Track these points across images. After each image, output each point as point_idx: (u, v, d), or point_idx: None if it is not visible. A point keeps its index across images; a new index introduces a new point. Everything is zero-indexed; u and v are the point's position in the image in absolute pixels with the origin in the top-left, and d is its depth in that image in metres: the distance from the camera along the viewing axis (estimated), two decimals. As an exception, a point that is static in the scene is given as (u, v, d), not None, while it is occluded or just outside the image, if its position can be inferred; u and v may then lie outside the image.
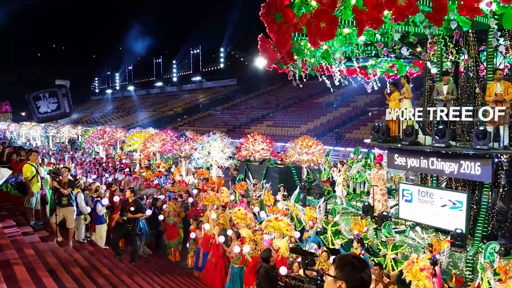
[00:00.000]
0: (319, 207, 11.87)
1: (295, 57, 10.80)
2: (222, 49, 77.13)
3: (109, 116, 76.66)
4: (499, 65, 10.85)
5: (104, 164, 23.23)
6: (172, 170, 21.49)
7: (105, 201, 11.01)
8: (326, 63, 11.84)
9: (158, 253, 12.57)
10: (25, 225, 9.88)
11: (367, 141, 12.36)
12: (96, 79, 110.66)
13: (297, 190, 13.88)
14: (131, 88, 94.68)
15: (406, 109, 10.54)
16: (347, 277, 2.44)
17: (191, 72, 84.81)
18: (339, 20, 8.68)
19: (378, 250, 10.00)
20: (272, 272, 7.32)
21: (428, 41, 11.05)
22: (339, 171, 13.90)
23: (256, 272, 9.12)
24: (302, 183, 15.97)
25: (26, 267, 6.76)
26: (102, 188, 12.04)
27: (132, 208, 10.20)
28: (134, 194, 10.61)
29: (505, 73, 11.21)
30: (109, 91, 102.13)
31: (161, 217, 12.18)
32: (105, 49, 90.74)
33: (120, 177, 19.04)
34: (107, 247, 10.82)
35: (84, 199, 10.72)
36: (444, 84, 10.38)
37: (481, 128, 8.84)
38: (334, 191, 14.47)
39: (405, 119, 10.50)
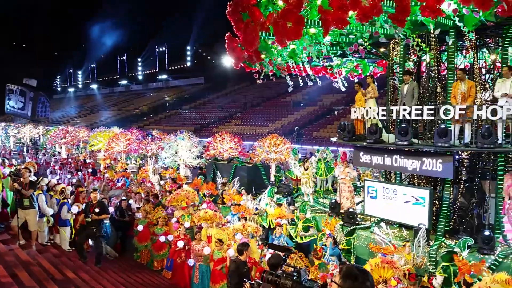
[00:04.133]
0: (288, 205, 12.00)
1: (263, 56, 10.83)
2: (188, 47, 76.36)
3: (71, 115, 74.57)
4: (460, 64, 11.24)
5: (67, 165, 22.62)
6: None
7: (75, 209, 10.69)
8: (293, 62, 11.94)
9: (124, 255, 12.33)
10: (-15, 229, 9.51)
11: (334, 139, 12.54)
12: (57, 77, 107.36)
13: (269, 187, 13.98)
14: (94, 86, 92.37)
15: (370, 108, 10.77)
16: None
17: (157, 70, 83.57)
18: (305, 20, 8.77)
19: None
20: (242, 268, 7.33)
21: (391, 41, 11.34)
22: (306, 169, 14.04)
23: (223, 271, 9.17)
24: (271, 182, 16.08)
25: (-14, 272, 6.52)
26: (68, 189, 11.70)
27: (96, 210, 9.98)
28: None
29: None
30: (71, 90, 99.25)
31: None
32: (67, 46, 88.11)
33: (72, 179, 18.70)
34: (71, 250, 10.54)
35: (46, 200, 10.41)
36: (405, 84, 10.67)
37: (442, 126, 9.15)
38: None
39: (370, 118, 10.73)
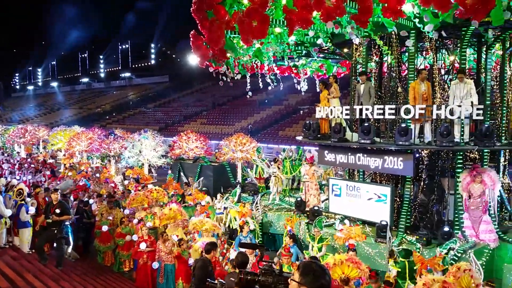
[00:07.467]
0: (256, 203, 12.01)
1: (228, 54, 10.78)
2: (153, 45, 75.13)
3: (31, 114, 71.98)
4: (420, 65, 11.56)
5: (26, 165, 21.79)
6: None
7: (32, 210, 10.32)
8: (258, 62, 11.95)
9: (86, 257, 12.00)
10: None
11: (299, 138, 12.65)
12: (16, 75, 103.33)
13: (238, 188, 13.97)
14: (54, 84, 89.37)
15: (334, 107, 10.92)
16: (310, 284, 2.69)
17: (119, 68, 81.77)
18: (271, 19, 8.79)
19: (307, 243, 10.30)
20: (209, 265, 7.31)
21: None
22: (278, 168, 14.15)
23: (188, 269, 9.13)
24: (237, 181, 16.06)
25: None
26: (25, 190, 11.27)
27: (57, 211, 9.66)
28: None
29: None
30: (30, 88, 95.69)
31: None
32: (27, 42, 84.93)
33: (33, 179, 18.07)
34: (31, 252, 10.18)
35: (4, 201, 10.01)
36: (361, 84, 10.91)
37: (403, 125, 9.39)
38: (268, 188, 14.69)
39: (334, 117, 10.89)
